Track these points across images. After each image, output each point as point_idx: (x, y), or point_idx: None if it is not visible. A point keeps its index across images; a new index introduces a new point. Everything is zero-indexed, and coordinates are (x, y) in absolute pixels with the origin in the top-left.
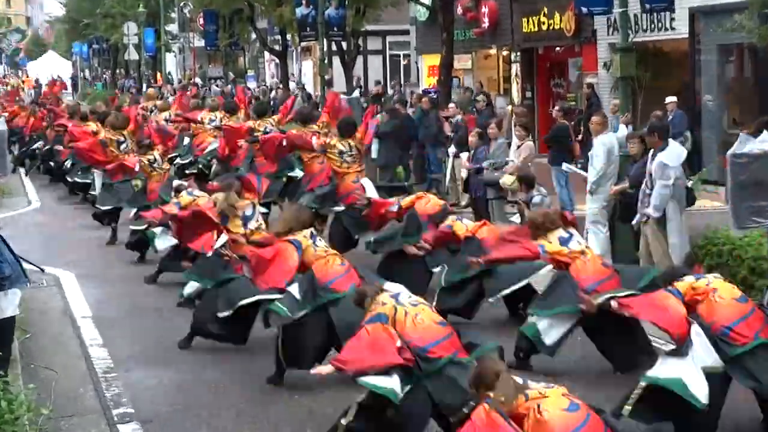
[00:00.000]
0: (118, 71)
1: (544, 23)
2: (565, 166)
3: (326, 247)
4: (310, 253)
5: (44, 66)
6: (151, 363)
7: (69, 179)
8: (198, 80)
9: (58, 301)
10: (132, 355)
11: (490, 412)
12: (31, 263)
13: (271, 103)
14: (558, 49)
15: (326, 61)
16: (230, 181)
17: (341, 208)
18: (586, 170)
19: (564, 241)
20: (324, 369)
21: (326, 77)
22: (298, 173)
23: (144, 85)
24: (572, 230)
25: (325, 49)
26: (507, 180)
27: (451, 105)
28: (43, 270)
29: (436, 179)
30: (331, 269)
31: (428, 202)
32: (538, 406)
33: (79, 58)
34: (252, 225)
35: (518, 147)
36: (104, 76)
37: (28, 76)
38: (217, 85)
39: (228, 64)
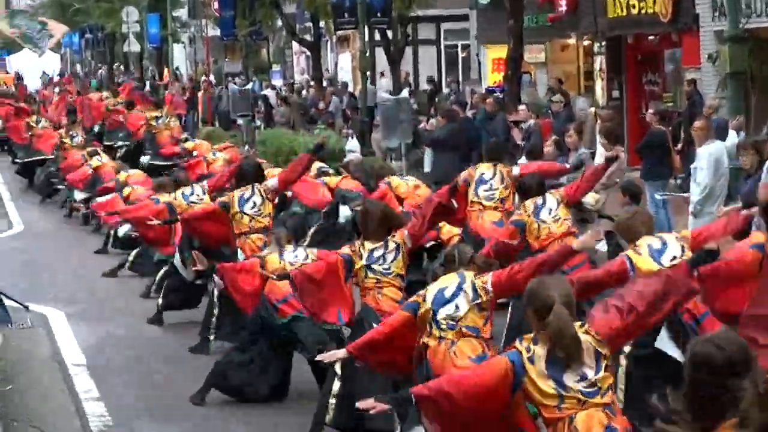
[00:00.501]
0: (116, 66)
1: (634, 6)
2: (659, 195)
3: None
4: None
5: (26, 59)
6: (156, 420)
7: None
8: (212, 77)
9: (45, 345)
10: (134, 411)
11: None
12: (12, 299)
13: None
14: (652, 38)
15: (368, 54)
16: (278, 234)
17: None
18: (687, 188)
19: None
20: (338, 354)
21: (367, 73)
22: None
23: (147, 83)
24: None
25: (366, 38)
26: (590, 199)
27: (521, 107)
28: (27, 307)
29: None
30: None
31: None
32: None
33: (69, 50)
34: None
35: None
36: (100, 71)
37: (6, 72)
38: (234, 83)
39: (248, 57)
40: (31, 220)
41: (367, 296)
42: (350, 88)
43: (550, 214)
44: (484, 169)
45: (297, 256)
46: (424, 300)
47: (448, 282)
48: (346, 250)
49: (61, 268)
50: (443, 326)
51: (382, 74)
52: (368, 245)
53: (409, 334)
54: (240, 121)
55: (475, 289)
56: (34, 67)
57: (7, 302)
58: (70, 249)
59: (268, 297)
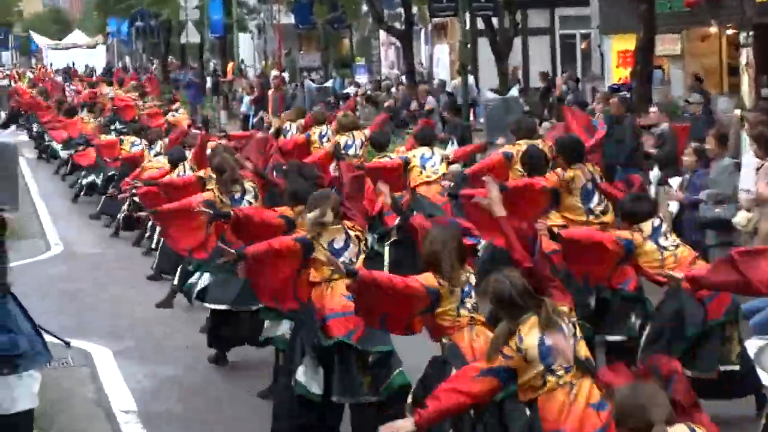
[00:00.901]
0: (171, 59)
1: None
2: None
3: None
4: None
5: (67, 52)
6: None
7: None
8: (285, 73)
9: (89, 388)
10: None
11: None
12: (52, 334)
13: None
14: None
15: (469, 46)
16: (326, 193)
17: None
18: None
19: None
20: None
21: (468, 67)
22: None
23: (208, 79)
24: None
25: (467, 27)
26: (740, 219)
27: (653, 108)
28: (68, 344)
29: None
30: None
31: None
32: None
33: (117, 41)
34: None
35: (757, 169)
36: (153, 65)
37: (44, 66)
38: (311, 79)
39: (328, 49)
40: (72, 240)
41: (456, 335)
42: (448, 86)
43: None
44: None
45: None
46: (527, 361)
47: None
48: (432, 281)
49: (107, 297)
50: (560, 374)
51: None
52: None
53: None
54: None
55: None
56: (74, 60)
57: (45, 338)
58: (117, 275)
59: (317, 308)
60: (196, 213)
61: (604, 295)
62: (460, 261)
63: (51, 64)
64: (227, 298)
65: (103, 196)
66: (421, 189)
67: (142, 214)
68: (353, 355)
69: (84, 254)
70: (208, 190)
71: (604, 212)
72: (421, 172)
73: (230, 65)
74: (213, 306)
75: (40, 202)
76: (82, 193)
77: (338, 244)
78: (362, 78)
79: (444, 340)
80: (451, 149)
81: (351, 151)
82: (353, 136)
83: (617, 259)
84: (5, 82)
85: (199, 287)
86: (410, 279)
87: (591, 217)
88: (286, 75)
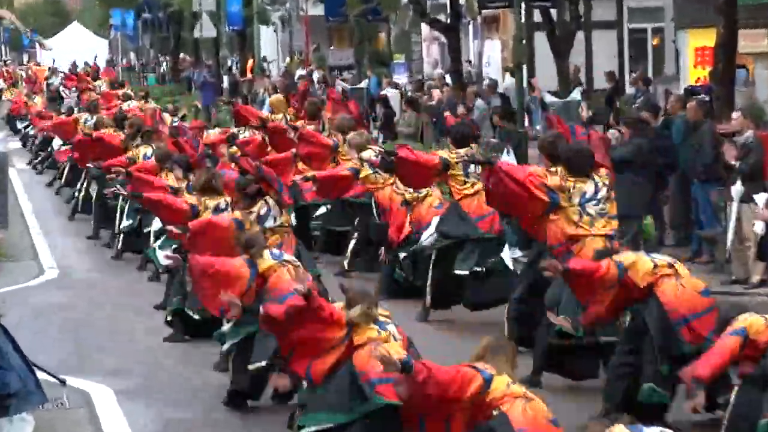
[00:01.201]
0: (182, 56)
1: None
2: None
3: None
4: None
5: (64, 46)
6: None
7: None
8: (315, 72)
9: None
10: None
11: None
12: (46, 371)
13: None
14: None
15: (524, 41)
16: (367, 295)
17: None
18: None
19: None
20: None
21: (523, 65)
22: None
23: (225, 79)
24: None
25: (522, 20)
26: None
27: (736, 113)
28: (64, 382)
29: (709, 238)
30: None
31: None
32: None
33: (121, 35)
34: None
35: None
36: (161, 62)
37: (38, 63)
38: (343, 79)
39: (362, 44)
40: (68, 262)
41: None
42: (500, 87)
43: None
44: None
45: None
46: None
47: None
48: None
49: (108, 329)
50: None
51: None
52: None
53: None
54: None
55: None
56: (74, 56)
57: (39, 375)
58: (119, 303)
59: (361, 370)
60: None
61: None
62: None
63: (54, 61)
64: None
65: (95, 206)
66: (465, 202)
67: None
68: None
69: (82, 279)
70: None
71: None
72: (464, 182)
73: (250, 63)
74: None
75: (32, 219)
76: (78, 209)
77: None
78: (401, 78)
79: (494, 412)
80: (507, 158)
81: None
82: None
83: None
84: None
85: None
86: (464, 371)
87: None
88: (316, 75)
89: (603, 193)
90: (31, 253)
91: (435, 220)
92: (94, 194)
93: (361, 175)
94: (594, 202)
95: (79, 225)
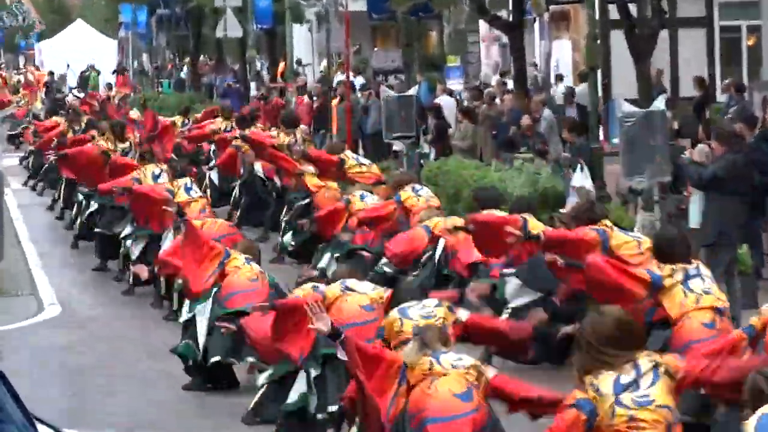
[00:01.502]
0: (203, 59)
1: None
2: None
3: None
4: None
5: (66, 47)
6: None
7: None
8: (356, 77)
9: None
10: None
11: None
12: (48, 425)
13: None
14: None
15: (599, 41)
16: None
17: None
18: None
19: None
20: None
21: (597, 69)
22: None
23: (253, 85)
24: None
25: (597, 16)
26: None
27: None
28: None
29: None
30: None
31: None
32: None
33: (132, 34)
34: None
35: None
36: (179, 66)
37: (36, 67)
38: (389, 86)
39: (411, 45)
40: (71, 297)
41: None
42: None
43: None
44: None
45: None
46: None
47: None
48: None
49: (117, 374)
50: None
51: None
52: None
53: None
54: (398, 146)
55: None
56: (76, 57)
57: (39, 428)
58: (130, 344)
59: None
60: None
61: None
62: None
63: (69, 68)
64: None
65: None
66: None
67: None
68: None
69: (87, 317)
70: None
71: None
72: None
73: (281, 66)
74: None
75: (29, 247)
76: (81, 237)
77: None
78: (456, 83)
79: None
80: (581, 177)
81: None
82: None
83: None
84: None
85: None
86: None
87: None
88: (358, 80)
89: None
90: (29, 287)
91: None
92: (85, 215)
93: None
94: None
95: (83, 255)
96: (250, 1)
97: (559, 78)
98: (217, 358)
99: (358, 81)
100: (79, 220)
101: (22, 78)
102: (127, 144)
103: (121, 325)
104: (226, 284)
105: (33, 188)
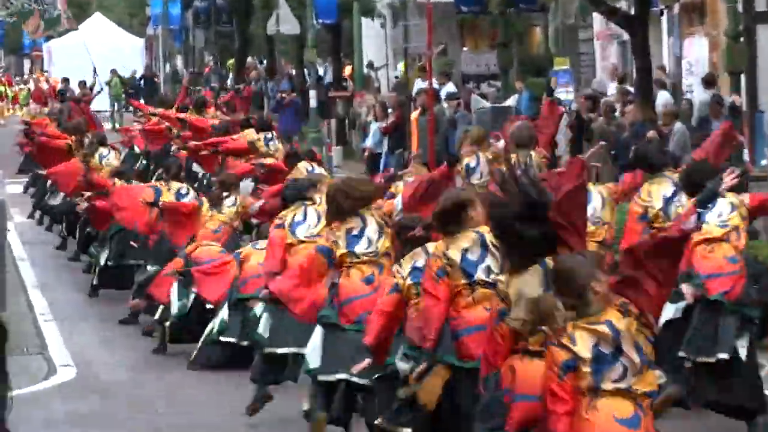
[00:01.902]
0: (251, 60)
1: None
2: None
3: None
4: None
5: (80, 46)
6: None
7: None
8: (442, 84)
9: None
10: None
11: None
12: None
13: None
14: None
15: (742, 39)
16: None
17: None
18: None
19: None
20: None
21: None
22: None
23: (313, 94)
24: None
25: (740, 8)
26: None
27: None
28: None
29: None
30: None
31: None
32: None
33: (163, 31)
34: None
35: None
36: (220, 70)
37: (42, 71)
38: (482, 94)
39: (509, 44)
40: (89, 357)
41: None
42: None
43: None
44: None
45: None
46: None
47: None
48: None
49: None
50: None
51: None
52: None
53: None
54: None
55: None
56: (96, 58)
57: None
58: (159, 415)
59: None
60: None
61: None
62: None
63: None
64: None
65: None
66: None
67: None
68: None
69: (110, 382)
70: None
71: None
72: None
73: (348, 71)
74: None
75: (37, 295)
76: (99, 284)
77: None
78: (565, 91)
79: None
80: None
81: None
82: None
83: None
84: None
85: None
86: None
87: None
88: (447, 88)
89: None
90: (37, 345)
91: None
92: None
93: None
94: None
95: (102, 303)
96: None
97: (709, 82)
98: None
99: (446, 89)
100: (96, 268)
101: (31, 86)
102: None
103: (149, 391)
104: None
105: (40, 222)
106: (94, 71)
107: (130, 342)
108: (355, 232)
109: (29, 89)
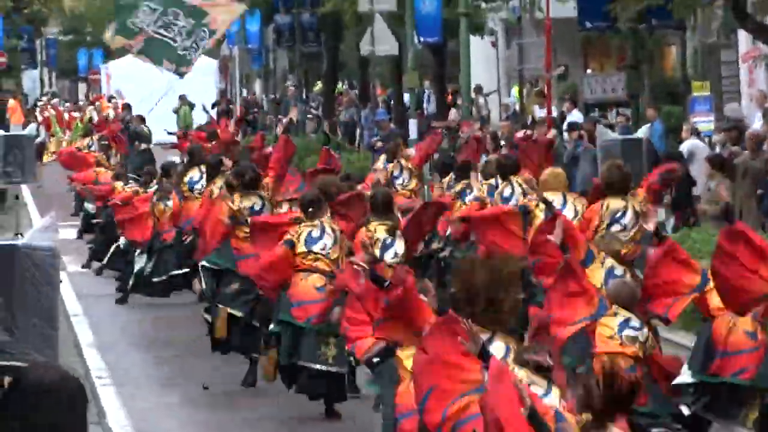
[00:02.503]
0: (342, 86)
1: None
2: None
3: None
4: None
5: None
6: None
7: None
8: (569, 111)
9: None
10: None
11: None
12: None
13: None
14: None
15: None
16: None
17: None
18: None
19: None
20: None
21: None
22: None
23: (413, 123)
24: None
25: None
26: None
27: None
28: None
29: None
30: None
31: None
32: None
33: (240, 50)
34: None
35: None
36: (307, 96)
37: (102, 95)
38: (609, 125)
39: (639, 66)
40: (150, 427)
41: None
42: None
43: None
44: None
45: None
46: None
47: None
48: None
49: None
50: None
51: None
52: None
53: None
54: None
55: None
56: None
57: None
58: None
59: None
60: None
61: None
62: None
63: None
64: None
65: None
66: None
67: None
68: None
69: None
70: None
71: None
72: None
73: (450, 95)
74: None
75: (94, 357)
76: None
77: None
78: (705, 121)
79: None
80: None
81: None
82: None
83: None
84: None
85: None
86: None
87: None
88: (574, 115)
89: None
90: (94, 413)
91: None
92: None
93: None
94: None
95: (167, 365)
96: (409, 6)
97: None
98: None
99: (571, 117)
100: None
101: (94, 114)
102: None
103: None
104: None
105: (99, 272)
106: (205, 108)
107: (195, 407)
108: None
109: (91, 118)
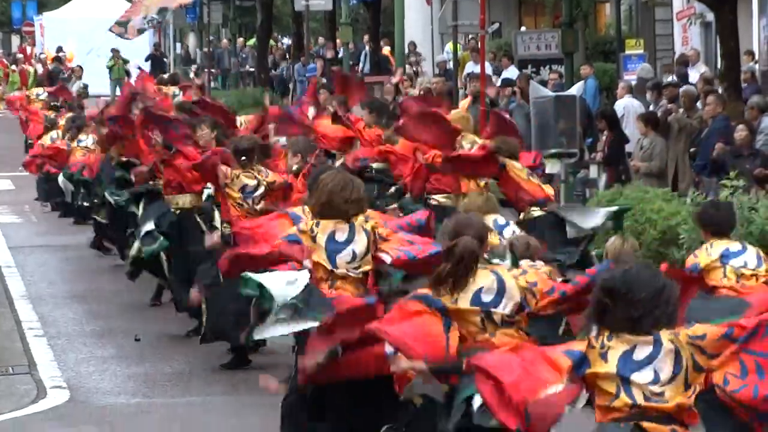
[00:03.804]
0: (274, 40)
1: None
2: None
3: None
4: None
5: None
6: None
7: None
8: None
9: None
10: None
11: None
12: None
13: None
14: None
15: None
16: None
17: None
18: None
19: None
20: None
21: None
22: None
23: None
24: None
25: None
26: None
27: None
28: None
29: None
30: None
31: None
32: None
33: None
34: None
35: None
36: (241, 52)
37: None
38: (543, 81)
39: (573, 23)
40: (82, 378)
41: None
42: None
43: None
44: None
45: None
46: None
47: None
48: None
49: None
50: None
51: None
52: None
53: None
54: (553, 168)
55: None
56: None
57: None
58: None
59: None
60: None
61: None
62: None
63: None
64: None
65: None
66: None
67: None
68: None
69: (103, 406)
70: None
71: None
72: None
73: (386, 51)
74: None
75: (25, 308)
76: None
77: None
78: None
79: None
80: None
81: None
82: None
83: None
84: None
85: None
86: None
87: None
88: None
89: None
90: (24, 364)
91: None
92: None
93: None
94: None
95: (101, 319)
96: None
97: None
98: None
99: (506, 73)
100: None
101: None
102: None
103: (153, 419)
104: None
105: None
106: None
107: (132, 361)
108: None
109: (36, 70)
